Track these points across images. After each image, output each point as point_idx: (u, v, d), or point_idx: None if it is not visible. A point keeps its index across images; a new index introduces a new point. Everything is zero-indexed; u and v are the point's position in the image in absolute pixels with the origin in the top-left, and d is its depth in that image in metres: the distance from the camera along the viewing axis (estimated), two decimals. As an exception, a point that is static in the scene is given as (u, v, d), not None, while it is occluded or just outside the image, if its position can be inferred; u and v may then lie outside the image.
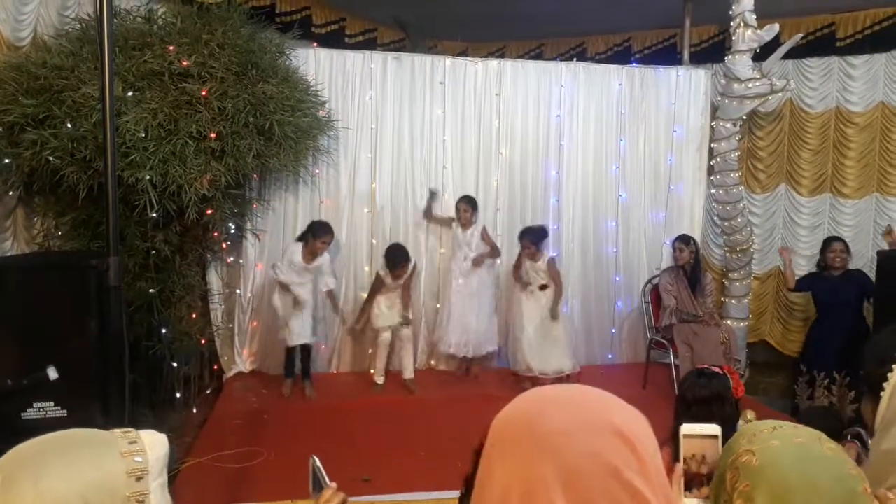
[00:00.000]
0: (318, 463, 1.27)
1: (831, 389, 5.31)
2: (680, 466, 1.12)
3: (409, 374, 5.40)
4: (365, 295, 5.52)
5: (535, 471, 0.67)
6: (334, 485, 1.25)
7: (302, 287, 5.10)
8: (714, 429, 1.14)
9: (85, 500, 0.88)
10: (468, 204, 5.58)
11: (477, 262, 5.53)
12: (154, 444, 0.99)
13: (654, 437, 0.73)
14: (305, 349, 5.23)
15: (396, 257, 5.27)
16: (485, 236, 5.62)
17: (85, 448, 0.93)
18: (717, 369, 2.61)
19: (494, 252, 5.65)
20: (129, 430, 1.00)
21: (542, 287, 5.42)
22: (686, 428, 1.15)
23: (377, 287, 5.37)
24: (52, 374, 2.76)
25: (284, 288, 5.12)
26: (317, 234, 5.08)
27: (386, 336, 5.35)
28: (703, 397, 2.37)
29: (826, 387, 5.33)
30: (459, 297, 5.55)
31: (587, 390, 0.77)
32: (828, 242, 5.68)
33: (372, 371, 5.48)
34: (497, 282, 5.81)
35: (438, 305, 5.87)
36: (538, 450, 0.68)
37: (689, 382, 2.59)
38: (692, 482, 1.15)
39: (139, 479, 0.94)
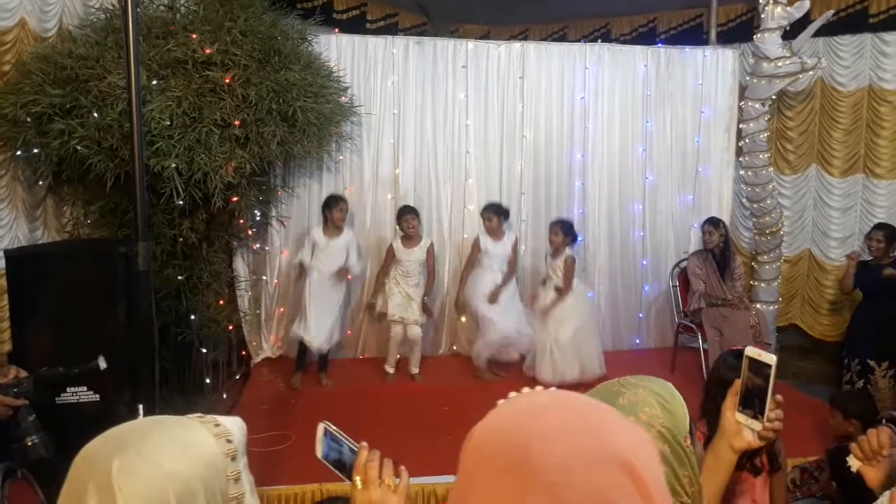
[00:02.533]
0: (334, 427, 1.16)
1: (869, 378, 5.10)
2: (737, 383, 1.22)
3: (415, 369, 5.37)
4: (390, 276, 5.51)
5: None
6: (365, 444, 1.14)
7: (323, 272, 5.12)
8: (771, 358, 1.26)
9: (202, 480, 0.90)
10: (494, 213, 5.29)
11: (501, 288, 5.25)
12: (235, 427, 1.01)
13: (660, 461, 0.65)
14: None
15: (402, 209, 5.26)
16: (514, 250, 5.35)
17: (185, 432, 0.95)
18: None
19: (511, 270, 5.38)
20: (204, 415, 1.01)
21: (558, 289, 5.19)
22: (750, 350, 1.28)
23: (388, 259, 5.34)
24: (102, 363, 2.79)
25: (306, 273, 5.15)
26: (331, 206, 5.11)
27: (398, 330, 5.30)
28: (727, 379, 2.32)
29: (866, 373, 5.12)
30: (493, 313, 5.24)
31: (591, 407, 0.67)
32: (872, 229, 5.34)
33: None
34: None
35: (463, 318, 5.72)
36: (531, 486, 0.58)
37: (724, 362, 2.56)
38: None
39: (233, 458, 0.97)
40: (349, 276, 5.30)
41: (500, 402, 0.69)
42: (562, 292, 5.17)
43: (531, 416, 0.63)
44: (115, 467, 0.86)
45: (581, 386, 4.97)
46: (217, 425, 0.98)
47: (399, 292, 5.31)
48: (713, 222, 5.52)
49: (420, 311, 5.33)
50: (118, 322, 3.08)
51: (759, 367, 1.28)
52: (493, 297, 5.24)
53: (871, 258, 5.30)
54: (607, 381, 1.16)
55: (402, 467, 1.11)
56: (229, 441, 0.97)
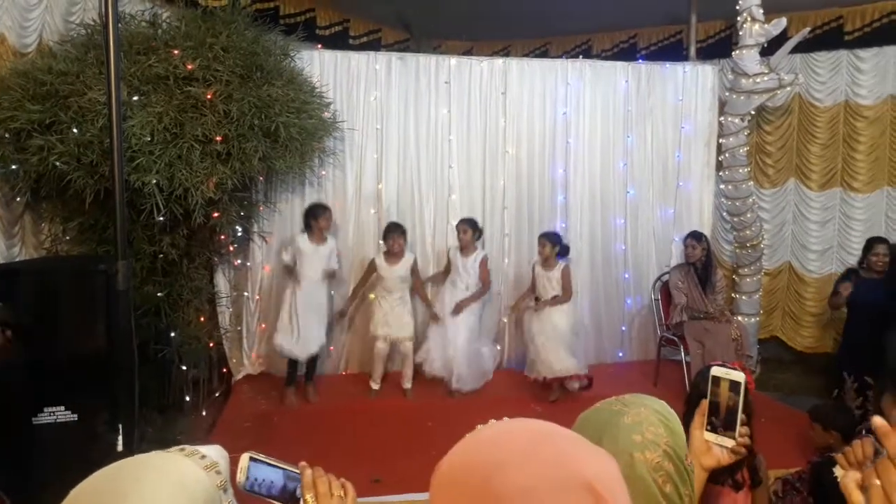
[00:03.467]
0: (262, 456, 1.11)
1: (867, 394, 4.89)
2: (705, 403, 1.23)
3: (407, 384, 5.34)
4: (372, 296, 5.50)
5: None
6: (304, 463, 1.12)
7: (311, 280, 5.11)
8: (739, 375, 1.28)
9: None
10: (469, 226, 5.35)
11: (469, 300, 5.31)
12: (220, 457, 1.00)
13: (625, 483, 0.65)
14: (311, 358, 5.22)
15: (389, 227, 5.26)
16: (482, 267, 5.39)
17: (177, 470, 0.93)
18: (736, 366, 2.58)
19: (486, 288, 5.45)
20: (185, 446, 0.99)
21: (554, 298, 5.27)
22: (716, 370, 1.29)
23: (368, 273, 5.34)
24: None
25: (290, 274, 5.13)
26: (317, 215, 5.10)
27: (382, 347, 5.27)
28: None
29: (856, 389, 4.99)
30: (451, 328, 5.29)
31: (553, 434, 0.67)
32: (871, 244, 5.19)
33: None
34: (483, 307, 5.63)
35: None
36: None
37: (704, 376, 2.56)
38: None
39: (225, 490, 0.96)
40: (334, 276, 5.31)
41: (467, 435, 0.68)
42: (560, 300, 5.26)
43: (494, 445, 0.63)
44: None
45: (584, 401, 5.03)
46: (203, 457, 0.97)
47: (381, 309, 5.29)
48: (696, 236, 5.57)
49: (412, 326, 5.32)
50: (97, 340, 3.04)
51: (727, 385, 1.30)
52: (457, 309, 5.27)
53: (864, 272, 5.17)
54: (607, 400, 1.17)
55: (345, 480, 1.11)
56: (218, 472, 0.96)
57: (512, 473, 0.60)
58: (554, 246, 5.26)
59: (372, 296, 5.45)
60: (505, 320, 5.97)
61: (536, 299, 5.35)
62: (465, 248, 5.38)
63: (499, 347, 5.90)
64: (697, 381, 2.67)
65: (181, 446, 0.99)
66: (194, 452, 0.97)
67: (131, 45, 4.41)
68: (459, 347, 5.24)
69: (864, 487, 0.72)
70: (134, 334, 2.83)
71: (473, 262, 5.37)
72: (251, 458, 1.09)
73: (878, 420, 0.71)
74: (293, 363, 5.17)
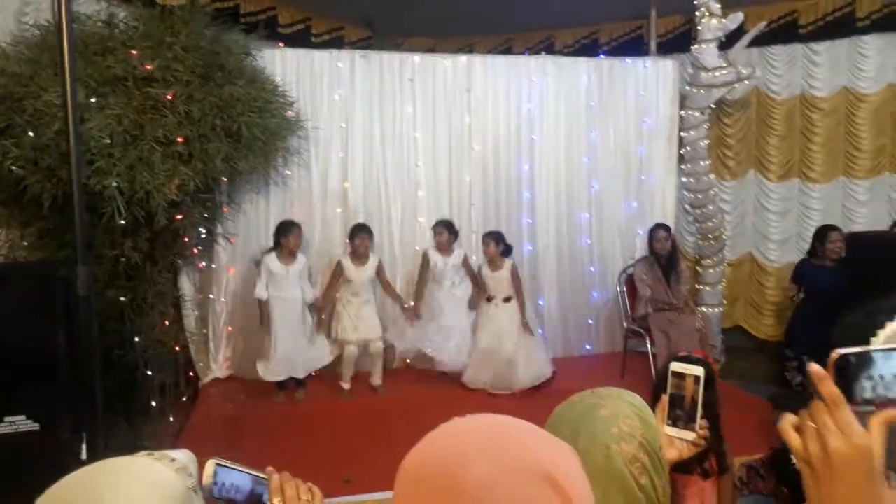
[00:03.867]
0: (228, 462, 1.09)
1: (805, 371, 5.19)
2: (665, 398, 1.23)
3: (377, 381, 5.31)
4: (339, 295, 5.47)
5: None
6: (271, 468, 1.12)
7: (287, 301, 5.04)
8: (698, 369, 1.27)
9: None
10: (445, 228, 5.36)
11: (473, 304, 5.43)
12: (188, 460, 1.00)
13: (585, 474, 0.67)
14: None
15: (356, 228, 5.24)
16: (466, 264, 5.46)
17: (150, 473, 0.93)
18: (700, 355, 2.64)
19: (476, 283, 5.49)
20: (153, 451, 0.99)
21: (507, 299, 5.32)
22: (675, 365, 1.28)
23: (336, 277, 5.26)
24: None
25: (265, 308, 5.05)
26: (287, 233, 5.01)
27: (352, 350, 5.21)
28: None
29: (797, 367, 5.24)
30: (449, 327, 5.35)
31: (511, 427, 0.68)
32: (826, 232, 5.30)
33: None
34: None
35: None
36: None
37: (664, 369, 2.60)
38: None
39: (196, 492, 0.96)
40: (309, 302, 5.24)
41: (430, 432, 0.69)
42: (521, 303, 5.33)
43: (454, 440, 0.65)
44: None
45: (551, 394, 5.08)
46: (172, 460, 0.97)
47: (348, 314, 5.24)
48: (666, 228, 5.65)
49: (380, 326, 5.31)
50: (58, 348, 2.99)
51: (686, 379, 1.32)
52: (473, 304, 5.43)
53: (816, 260, 5.32)
54: (582, 393, 1.21)
55: (311, 484, 1.12)
56: (189, 475, 0.97)
57: (472, 467, 0.61)
58: (498, 244, 5.29)
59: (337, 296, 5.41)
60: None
61: (488, 299, 5.37)
62: (442, 250, 5.39)
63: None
64: (664, 372, 2.72)
65: (148, 451, 0.99)
66: (163, 456, 0.97)
67: (87, 46, 4.32)
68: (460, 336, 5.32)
69: (800, 430, 0.77)
70: (96, 340, 2.78)
71: (455, 262, 5.40)
72: (217, 465, 1.10)
73: (814, 366, 0.76)
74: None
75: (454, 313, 5.39)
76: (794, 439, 0.78)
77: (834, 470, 0.74)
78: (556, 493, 0.60)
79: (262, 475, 1.11)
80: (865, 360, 0.77)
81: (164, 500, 0.89)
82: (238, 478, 1.09)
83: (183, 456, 1.00)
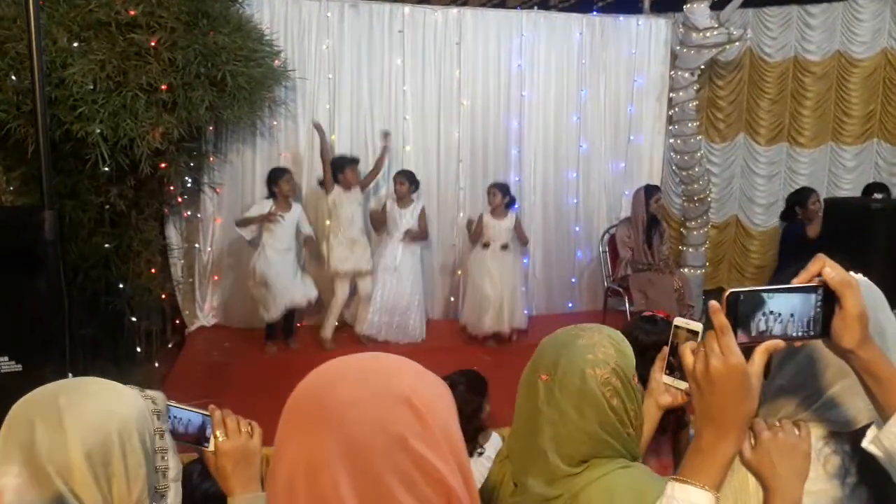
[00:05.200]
0: (174, 402, 1.24)
1: None
2: (665, 349, 1.29)
3: (365, 328, 5.33)
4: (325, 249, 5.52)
5: (319, 445, 0.65)
6: (212, 406, 1.26)
7: (280, 251, 5.09)
8: (698, 325, 1.34)
9: (137, 423, 1.01)
10: (406, 178, 5.38)
11: (410, 238, 5.39)
12: (157, 394, 1.13)
13: (453, 405, 0.73)
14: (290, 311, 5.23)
15: (346, 160, 5.23)
16: (421, 218, 5.45)
17: (117, 385, 1.06)
18: (662, 315, 2.69)
19: (424, 236, 5.53)
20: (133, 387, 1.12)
21: (504, 247, 5.38)
22: (678, 320, 1.35)
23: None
24: None
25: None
26: (278, 179, 5.05)
27: (344, 289, 5.27)
28: (645, 343, 2.43)
29: None
30: (387, 276, 5.37)
31: (384, 359, 0.74)
32: (806, 193, 5.34)
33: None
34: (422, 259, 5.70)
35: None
36: (322, 422, 0.66)
37: (637, 327, 2.67)
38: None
39: (158, 417, 1.08)
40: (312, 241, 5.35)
41: None
42: (521, 240, 5.53)
43: (329, 369, 0.72)
44: (61, 402, 0.96)
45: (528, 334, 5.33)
46: (142, 389, 1.10)
47: (339, 244, 5.22)
48: (658, 189, 5.71)
49: (370, 258, 5.32)
50: (37, 292, 3.03)
51: (686, 334, 1.41)
52: (407, 237, 5.38)
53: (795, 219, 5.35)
54: (566, 327, 1.36)
55: (252, 421, 1.28)
56: (154, 403, 1.09)
57: (338, 390, 0.68)
58: (504, 196, 5.33)
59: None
60: (459, 273, 6.04)
61: (485, 245, 5.43)
62: (401, 200, 5.41)
63: (452, 299, 6.01)
64: (631, 331, 2.78)
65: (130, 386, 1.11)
66: (135, 386, 1.10)
67: (70, -11, 4.27)
68: (398, 295, 5.34)
69: (695, 353, 0.92)
70: (64, 286, 2.83)
71: (411, 215, 5.42)
72: (167, 404, 1.22)
73: (712, 301, 0.89)
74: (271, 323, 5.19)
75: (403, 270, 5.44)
76: (688, 360, 0.92)
77: (712, 384, 0.88)
78: (413, 414, 0.66)
79: (206, 412, 1.25)
80: (756, 299, 0.91)
81: (128, 405, 1.02)
82: (187, 415, 1.25)
83: (152, 392, 1.12)
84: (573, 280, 6.43)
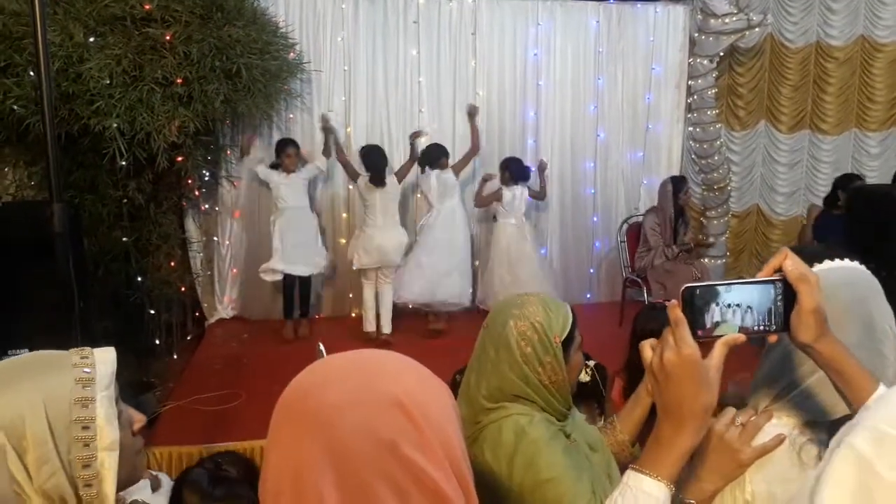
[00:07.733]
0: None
1: None
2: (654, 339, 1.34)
3: (387, 328, 5.25)
4: (344, 240, 5.52)
5: (304, 451, 0.62)
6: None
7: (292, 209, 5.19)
8: None
9: (43, 401, 0.97)
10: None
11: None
12: (104, 358, 1.06)
13: (452, 407, 0.69)
14: (305, 284, 5.26)
15: (375, 158, 5.19)
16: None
17: (38, 361, 1.03)
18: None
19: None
20: (85, 348, 1.06)
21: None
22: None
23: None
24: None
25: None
26: (280, 151, 5.18)
27: (369, 295, 5.22)
28: (653, 329, 2.41)
29: None
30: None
31: (380, 357, 0.71)
32: (847, 180, 5.27)
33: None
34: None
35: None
36: (308, 427, 0.63)
37: (642, 315, 2.65)
38: None
39: (85, 386, 1.02)
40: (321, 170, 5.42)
41: None
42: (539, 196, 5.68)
43: (320, 369, 0.69)
44: None
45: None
46: (84, 357, 1.03)
47: (370, 236, 5.14)
48: (686, 182, 5.68)
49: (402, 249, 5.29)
50: (53, 284, 3.07)
51: None
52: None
53: (836, 210, 5.27)
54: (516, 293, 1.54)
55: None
56: (87, 371, 1.02)
57: (327, 392, 0.65)
58: (503, 171, 5.52)
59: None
60: (477, 263, 6.00)
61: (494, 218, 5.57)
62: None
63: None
64: (638, 320, 2.76)
65: (82, 348, 1.05)
66: (82, 353, 1.04)
67: (86, -16, 4.30)
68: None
69: (654, 348, 0.93)
70: (72, 276, 2.86)
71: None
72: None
73: (672, 301, 0.91)
74: (289, 295, 5.23)
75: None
76: (646, 354, 0.94)
77: (667, 376, 0.90)
78: (405, 418, 0.63)
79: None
80: (711, 292, 0.93)
81: (36, 386, 0.97)
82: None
83: (99, 354, 1.05)
84: (591, 270, 6.39)
